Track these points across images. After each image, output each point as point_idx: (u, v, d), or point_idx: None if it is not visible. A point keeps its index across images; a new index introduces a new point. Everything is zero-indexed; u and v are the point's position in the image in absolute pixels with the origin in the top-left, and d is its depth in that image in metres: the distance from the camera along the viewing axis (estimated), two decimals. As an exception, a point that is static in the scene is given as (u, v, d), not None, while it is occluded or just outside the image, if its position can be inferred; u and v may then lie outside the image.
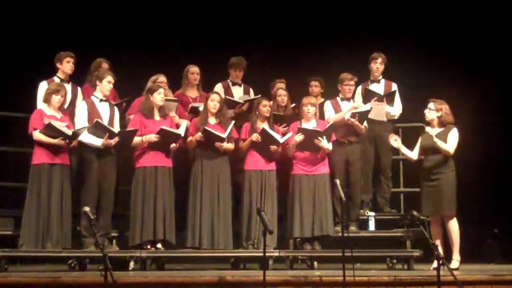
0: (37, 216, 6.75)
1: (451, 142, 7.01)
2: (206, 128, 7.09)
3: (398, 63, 8.58)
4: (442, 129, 7.08)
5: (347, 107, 7.59)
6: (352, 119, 7.46)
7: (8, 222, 7.36)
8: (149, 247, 6.96)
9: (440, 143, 6.94)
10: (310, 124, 7.41)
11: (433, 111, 7.12)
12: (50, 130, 6.78)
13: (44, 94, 7.00)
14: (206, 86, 7.89)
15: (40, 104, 7.11)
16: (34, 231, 6.73)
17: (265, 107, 7.37)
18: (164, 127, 7.01)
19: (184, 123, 7.26)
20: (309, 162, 7.34)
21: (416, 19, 9.67)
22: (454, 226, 6.99)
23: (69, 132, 6.83)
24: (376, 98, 7.68)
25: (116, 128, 7.12)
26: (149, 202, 6.97)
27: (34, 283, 5.67)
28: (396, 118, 8.00)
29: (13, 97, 8.54)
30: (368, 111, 7.60)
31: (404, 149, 7.30)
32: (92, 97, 7.15)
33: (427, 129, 7.13)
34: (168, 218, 7.01)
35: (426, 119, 7.18)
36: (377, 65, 8.00)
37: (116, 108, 7.30)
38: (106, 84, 7.11)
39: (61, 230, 6.80)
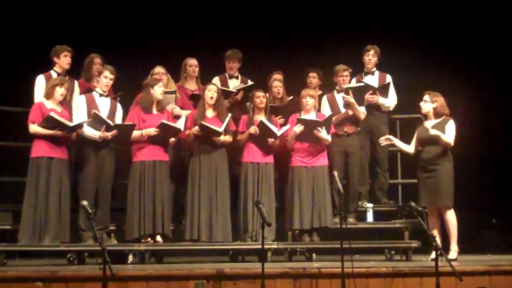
0: (35, 210, 6.75)
1: (449, 133, 7.02)
2: (203, 122, 7.09)
3: (396, 54, 8.56)
4: (439, 120, 7.09)
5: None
6: (347, 96, 7.47)
7: (6, 216, 7.37)
8: (149, 239, 6.97)
9: (442, 136, 6.94)
10: (310, 116, 7.42)
11: (429, 103, 7.13)
12: (50, 122, 6.77)
13: (46, 88, 6.99)
14: (205, 80, 7.88)
15: (39, 97, 7.11)
16: (33, 225, 6.73)
17: (258, 98, 7.38)
18: (164, 121, 7.02)
19: (183, 117, 7.26)
20: (308, 154, 7.35)
21: (414, 9, 9.64)
22: (451, 217, 6.99)
23: (70, 123, 6.84)
24: (371, 91, 7.69)
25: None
26: (148, 196, 6.98)
27: (32, 277, 5.66)
28: (391, 109, 8.01)
29: (10, 92, 8.51)
30: (363, 87, 7.59)
31: (399, 144, 7.30)
32: (93, 93, 7.19)
33: (425, 123, 7.14)
34: (166, 211, 7.03)
35: (422, 111, 7.20)
36: (370, 57, 8.02)
37: (119, 105, 7.30)
38: (102, 79, 7.15)
39: (60, 224, 6.81)
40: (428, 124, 7.11)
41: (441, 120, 7.08)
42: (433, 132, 6.96)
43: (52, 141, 6.85)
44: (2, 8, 9.03)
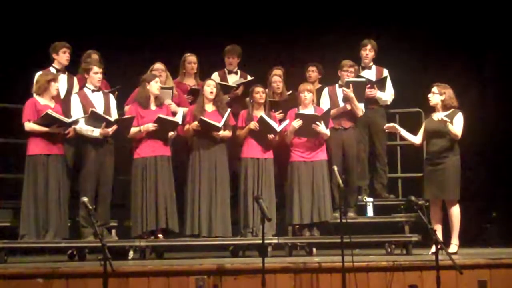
0: (35, 207, 6.75)
1: (458, 126, 6.96)
2: (202, 118, 7.09)
3: (396, 48, 8.53)
4: (447, 112, 7.00)
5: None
6: (347, 90, 7.46)
7: (6, 213, 7.37)
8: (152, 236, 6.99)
9: (450, 126, 6.87)
10: (308, 110, 7.41)
11: (437, 95, 7.05)
12: (47, 119, 6.76)
13: (40, 84, 6.95)
14: (204, 76, 7.87)
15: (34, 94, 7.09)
16: (34, 222, 6.74)
17: (258, 93, 7.37)
18: (161, 116, 7.02)
19: (180, 111, 7.26)
20: (307, 148, 7.35)
21: (414, 4, 9.63)
22: (456, 211, 6.96)
23: (67, 120, 6.83)
24: (369, 85, 7.70)
25: (114, 117, 7.11)
26: (150, 192, 6.98)
27: (33, 274, 5.67)
28: (388, 103, 8.00)
29: (8, 88, 8.50)
30: (363, 82, 7.57)
31: (404, 133, 7.23)
32: (85, 89, 7.17)
33: (433, 115, 7.09)
34: (170, 206, 7.04)
35: (430, 103, 7.10)
36: (367, 52, 8.03)
37: (112, 97, 7.30)
38: (93, 76, 7.11)
39: (60, 221, 6.81)
40: (436, 116, 7.06)
41: (450, 113, 7.00)
42: (446, 119, 6.89)
43: (48, 138, 6.84)
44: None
